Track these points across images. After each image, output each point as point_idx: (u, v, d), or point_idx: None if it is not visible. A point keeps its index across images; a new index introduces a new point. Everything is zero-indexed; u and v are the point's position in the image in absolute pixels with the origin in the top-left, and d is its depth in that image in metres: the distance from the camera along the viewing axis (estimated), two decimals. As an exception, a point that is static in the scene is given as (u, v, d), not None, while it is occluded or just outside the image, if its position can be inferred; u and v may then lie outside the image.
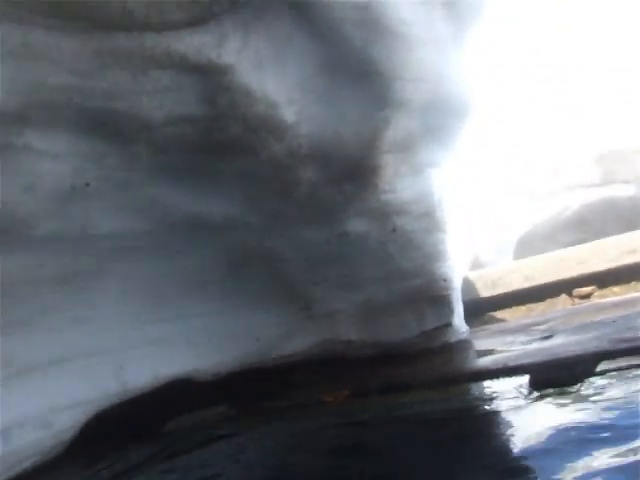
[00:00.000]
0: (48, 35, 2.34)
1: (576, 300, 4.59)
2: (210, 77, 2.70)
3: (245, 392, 4.16)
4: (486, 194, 7.15)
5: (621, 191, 6.36)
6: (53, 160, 2.74)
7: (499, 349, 3.70)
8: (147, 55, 2.51)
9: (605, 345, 3.05)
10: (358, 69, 2.96)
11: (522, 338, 3.74)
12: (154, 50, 2.51)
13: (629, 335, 3.09)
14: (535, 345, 3.55)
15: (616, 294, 4.48)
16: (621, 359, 2.80)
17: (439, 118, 3.43)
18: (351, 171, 3.47)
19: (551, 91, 7.97)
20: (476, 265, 6.71)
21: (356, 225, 3.76)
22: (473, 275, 4.99)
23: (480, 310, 4.61)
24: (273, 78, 2.86)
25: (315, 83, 3.00)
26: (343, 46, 2.82)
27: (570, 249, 4.75)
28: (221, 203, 3.46)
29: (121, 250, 3.49)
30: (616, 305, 3.93)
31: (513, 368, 3.25)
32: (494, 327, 4.46)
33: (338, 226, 3.76)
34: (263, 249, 3.84)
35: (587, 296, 4.57)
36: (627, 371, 2.60)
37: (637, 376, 2.51)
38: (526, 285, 4.69)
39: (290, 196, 3.51)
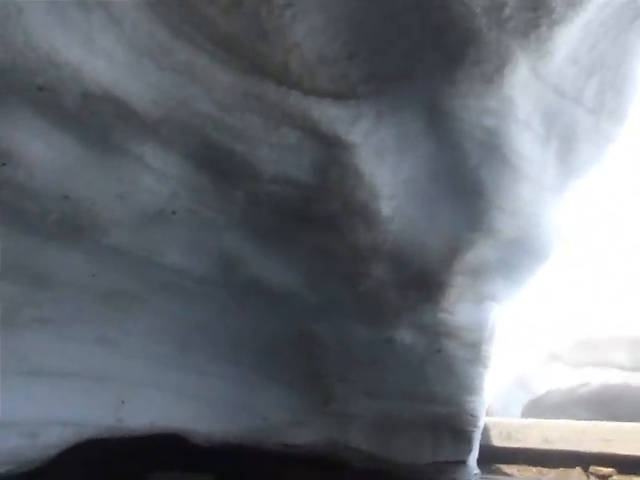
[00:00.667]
0: (210, 62, 2.48)
1: (592, 477, 4.45)
2: (331, 149, 2.83)
3: (236, 468, 3.95)
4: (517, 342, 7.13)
5: (642, 382, 6.37)
6: (157, 178, 2.81)
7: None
8: (287, 111, 2.65)
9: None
10: (464, 187, 3.08)
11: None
12: (294, 109, 2.65)
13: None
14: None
15: (635, 482, 4.36)
16: None
17: (518, 255, 3.52)
18: (421, 281, 3.52)
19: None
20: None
21: (405, 335, 3.75)
22: (488, 421, 4.87)
23: (489, 459, 4.45)
24: (386, 170, 2.99)
25: (421, 187, 3.12)
26: (459, 161, 2.96)
27: (594, 423, 4.66)
28: (286, 273, 3.49)
29: (173, 286, 3.48)
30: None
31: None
32: (506, 479, 4.29)
33: (387, 330, 3.76)
34: (307, 331, 3.82)
35: (605, 477, 4.43)
36: None
37: None
38: (543, 447, 4.57)
39: (354, 287, 3.54)
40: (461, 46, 2.41)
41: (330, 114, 2.71)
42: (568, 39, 2.45)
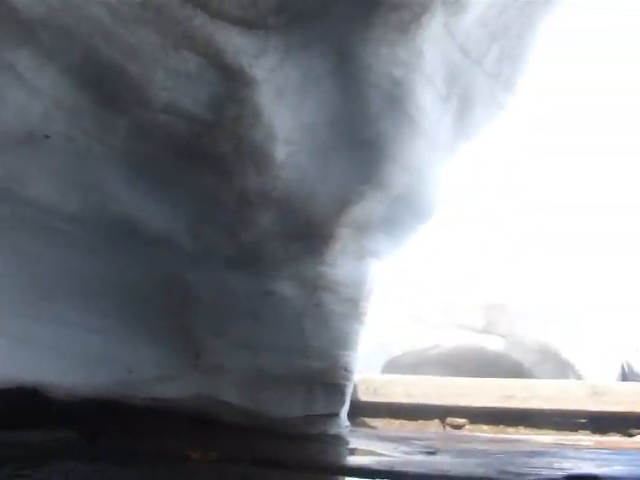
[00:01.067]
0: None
1: (447, 427, 4.82)
2: (232, 83, 2.64)
3: (100, 424, 3.71)
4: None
5: (492, 343, 6.96)
6: (28, 93, 2.46)
7: (380, 452, 3.69)
8: (189, 33, 2.42)
9: (492, 473, 3.14)
10: (361, 137, 3.04)
11: (404, 448, 3.77)
12: (198, 31, 2.42)
13: (512, 469, 3.24)
14: (420, 457, 3.58)
15: (484, 431, 4.79)
16: None
17: (403, 212, 3.57)
18: (306, 232, 3.46)
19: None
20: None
21: (284, 287, 3.69)
22: (356, 377, 5.05)
23: (356, 413, 4.61)
24: (286, 112, 2.86)
25: (318, 134, 3.03)
26: (360, 109, 2.91)
27: (452, 379, 5.02)
28: (165, 217, 3.25)
29: (33, 223, 3.12)
30: (492, 441, 4.16)
31: (400, 473, 3.22)
32: (373, 431, 4.48)
33: (267, 283, 3.67)
34: (180, 281, 3.62)
35: (459, 427, 4.82)
36: None
37: None
38: (405, 401, 4.81)
39: (237, 236, 3.40)
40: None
41: (236, 43, 2.52)
42: (482, 1, 2.48)
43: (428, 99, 2.88)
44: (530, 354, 7.07)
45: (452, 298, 6.73)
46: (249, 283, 3.73)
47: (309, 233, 3.52)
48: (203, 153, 2.95)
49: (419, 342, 7.48)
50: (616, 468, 3.31)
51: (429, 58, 2.68)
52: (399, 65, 2.66)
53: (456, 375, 5.82)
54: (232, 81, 2.66)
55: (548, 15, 2.88)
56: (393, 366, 7.19)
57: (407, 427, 4.80)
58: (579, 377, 6.01)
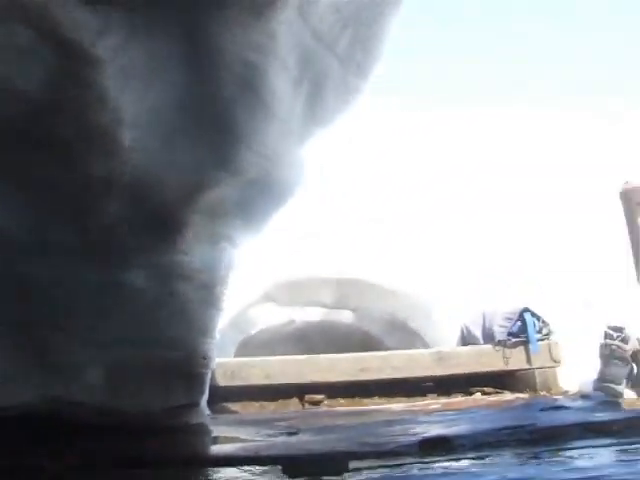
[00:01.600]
0: None
1: (306, 405, 4.97)
2: (72, 62, 2.42)
3: None
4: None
5: (343, 317, 7.26)
6: None
7: (243, 438, 3.72)
8: (18, 2, 2.17)
9: (353, 446, 3.31)
10: (213, 122, 2.96)
11: (267, 431, 3.84)
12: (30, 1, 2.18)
13: (372, 440, 3.44)
14: (283, 439, 3.66)
15: (342, 405, 5.02)
16: (367, 460, 3.03)
17: (258, 197, 3.56)
18: (158, 220, 3.32)
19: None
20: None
21: (135, 278, 3.52)
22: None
23: (215, 398, 4.58)
24: (132, 94, 2.68)
25: (167, 117, 2.89)
26: (212, 93, 2.82)
27: (310, 357, 5.15)
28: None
29: None
30: (350, 414, 4.37)
31: (265, 457, 3.28)
32: (234, 416, 4.49)
33: (116, 274, 3.48)
34: (22, 276, 3.31)
35: (317, 402, 4.99)
36: (375, 470, 2.81)
37: (384, 475, 2.71)
38: (264, 382, 4.88)
39: (84, 226, 3.17)
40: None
41: (75, 17, 2.32)
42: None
43: (281, 83, 2.88)
44: (379, 325, 7.48)
45: (303, 275, 6.87)
46: (97, 275, 3.51)
47: (160, 220, 3.39)
48: (43, 138, 2.70)
49: (272, 320, 7.58)
50: (461, 427, 3.62)
51: (283, 42, 2.67)
52: (252, 48, 2.62)
53: (310, 350, 5.99)
54: (72, 59, 2.44)
55: (399, 4, 2.99)
56: (247, 345, 7.21)
57: (267, 408, 4.88)
58: (425, 344, 6.47)
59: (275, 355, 5.68)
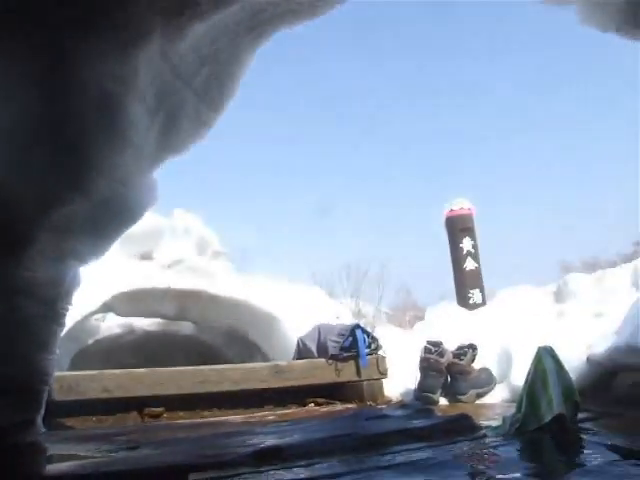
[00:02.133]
0: None
1: (146, 418, 5.03)
2: None
3: None
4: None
5: (184, 328, 7.35)
6: None
7: (81, 454, 3.74)
8: None
9: (192, 459, 3.51)
10: (67, 146, 3.00)
11: (106, 447, 3.88)
12: None
13: (210, 452, 3.66)
14: (123, 454, 3.74)
15: (182, 417, 5.14)
16: (209, 471, 3.26)
17: (107, 215, 3.62)
18: (3, 237, 3.26)
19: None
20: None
21: (-22, 300, 3.42)
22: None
23: (51, 413, 4.49)
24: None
25: (21, 139, 2.89)
26: (67, 120, 2.87)
27: (150, 370, 5.19)
28: None
29: None
30: (190, 426, 4.53)
31: (105, 474, 3.38)
32: (70, 432, 4.42)
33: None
34: None
35: (157, 416, 5.07)
36: None
37: None
38: (103, 396, 4.85)
39: None
40: (107, 8, 2.41)
41: None
42: (198, 30, 2.73)
43: (138, 113, 3.01)
44: (219, 337, 7.67)
45: (143, 287, 6.88)
46: None
47: (6, 237, 3.33)
48: None
49: (110, 330, 7.48)
50: (294, 437, 3.96)
51: (142, 76, 2.82)
52: (112, 80, 2.74)
53: (149, 361, 6.04)
54: None
55: (255, 46, 3.27)
56: (84, 356, 7.04)
57: (105, 423, 4.88)
58: (265, 356, 6.76)
59: (112, 366, 5.65)
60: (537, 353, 3.98)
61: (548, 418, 3.73)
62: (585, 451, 3.31)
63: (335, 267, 29.26)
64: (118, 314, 7.16)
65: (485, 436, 3.85)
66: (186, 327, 7.60)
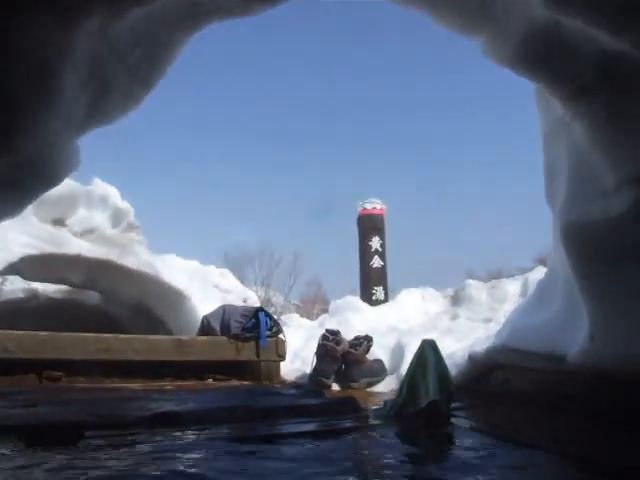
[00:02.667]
0: None
1: (44, 381, 5.09)
2: None
3: None
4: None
5: (89, 298, 7.37)
6: None
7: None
8: None
9: (90, 418, 3.69)
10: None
11: (3, 403, 3.96)
12: None
13: (109, 413, 3.85)
14: (19, 410, 3.85)
15: (81, 382, 5.23)
16: (103, 430, 3.43)
17: (29, 179, 3.71)
18: None
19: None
20: None
21: None
22: None
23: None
24: None
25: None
26: (3, 83, 3.00)
27: (52, 334, 5.25)
28: None
29: None
30: (88, 390, 4.66)
31: (1, 427, 3.47)
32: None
33: None
34: None
35: (56, 379, 5.14)
36: (108, 439, 3.18)
37: (124, 442, 3.11)
38: (3, 356, 4.90)
39: None
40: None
41: None
42: (137, 14, 2.92)
43: (71, 82, 3.17)
44: (125, 310, 7.74)
45: (53, 252, 6.85)
46: None
47: None
48: None
49: (13, 294, 7.39)
50: (190, 405, 4.21)
51: (80, 48, 2.99)
52: (52, 49, 2.90)
53: (53, 328, 6.06)
54: None
55: (188, 34, 3.49)
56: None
57: (3, 382, 4.90)
58: (168, 332, 6.91)
59: (14, 329, 5.64)
60: (421, 345, 4.38)
61: (424, 403, 4.13)
62: (452, 431, 3.76)
63: (249, 253, 29.52)
64: (24, 278, 7.08)
65: (367, 417, 4.23)
66: (92, 297, 7.61)
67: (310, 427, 3.76)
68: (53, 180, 3.87)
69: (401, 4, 3.36)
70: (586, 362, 3.97)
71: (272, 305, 24.43)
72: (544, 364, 4.62)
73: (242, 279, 25.08)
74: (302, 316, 11.46)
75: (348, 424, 3.94)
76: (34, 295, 7.26)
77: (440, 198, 50.52)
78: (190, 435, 3.45)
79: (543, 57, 3.15)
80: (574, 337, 4.13)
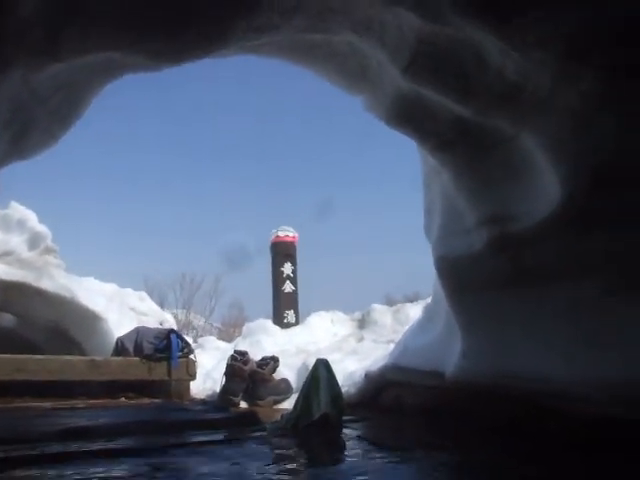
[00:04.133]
0: None
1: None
2: None
3: None
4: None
5: (5, 320, 7.40)
6: None
7: None
8: None
9: None
10: None
11: None
12: None
13: (19, 430, 4.04)
14: None
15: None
16: (15, 445, 3.53)
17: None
18: None
19: None
20: None
21: None
22: None
23: None
24: None
25: None
26: None
27: (11, 356, 5.36)
28: None
29: None
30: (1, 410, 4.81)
31: None
32: None
33: None
34: None
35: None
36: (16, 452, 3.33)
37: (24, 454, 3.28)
38: None
39: None
40: None
41: None
42: (61, 66, 3.29)
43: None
44: (40, 332, 7.79)
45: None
46: None
47: None
48: None
49: None
50: (101, 420, 4.47)
51: (2, 94, 3.33)
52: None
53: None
54: None
55: (106, 81, 3.87)
56: None
57: None
58: (83, 353, 7.04)
59: None
60: (315, 364, 4.83)
61: (317, 416, 4.56)
62: (342, 441, 4.20)
63: (169, 276, 29.28)
64: None
65: (265, 429, 4.63)
66: (7, 320, 7.63)
67: (214, 437, 4.10)
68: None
69: (293, 63, 3.87)
70: (460, 378, 4.51)
71: (193, 328, 24.34)
72: (429, 381, 5.15)
73: (162, 302, 25.00)
74: (223, 339, 11.70)
75: (248, 433, 4.31)
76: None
77: (356, 227, 51.34)
78: (97, 445, 3.64)
79: (410, 118, 3.72)
80: (452, 356, 4.67)
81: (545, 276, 3.62)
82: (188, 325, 24.34)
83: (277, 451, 3.83)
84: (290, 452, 3.90)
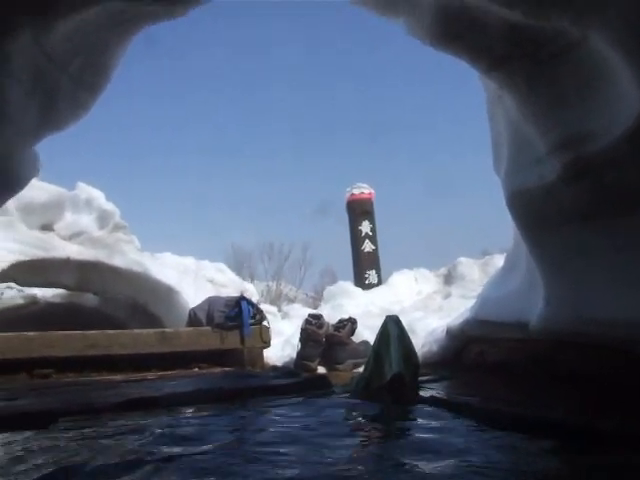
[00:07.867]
0: None
1: (35, 378, 5.43)
2: None
3: None
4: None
5: (86, 300, 7.70)
6: None
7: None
8: None
9: (65, 405, 3.99)
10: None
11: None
12: None
13: (85, 401, 4.16)
14: (2, 403, 4.18)
15: (70, 377, 5.56)
16: (77, 415, 3.70)
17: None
18: None
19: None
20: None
21: None
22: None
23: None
24: None
25: None
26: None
27: (40, 333, 5.55)
28: None
29: None
30: (73, 383, 4.99)
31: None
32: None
33: None
34: None
35: (46, 376, 5.48)
36: (79, 422, 3.47)
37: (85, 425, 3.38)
38: (-6, 358, 5.22)
39: None
40: None
41: None
42: (68, 25, 3.20)
43: (15, 94, 3.46)
44: (122, 309, 8.06)
45: (43, 257, 7.17)
46: None
47: None
48: None
49: (13, 301, 7.72)
50: (165, 390, 4.50)
51: (17, 62, 3.28)
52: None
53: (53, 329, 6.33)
54: None
55: (123, 40, 3.76)
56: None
57: (-4, 382, 5.24)
58: (163, 326, 7.16)
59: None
60: (384, 321, 4.62)
61: (389, 377, 4.36)
62: (416, 404, 3.99)
63: (256, 248, 29.82)
64: (18, 284, 7.40)
65: (334, 392, 4.49)
66: (90, 299, 7.92)
67: (276, 402, 4.03)
68: (14, 189, 4.19)
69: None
70: (545, 327, 4.16)
71: (287, 298, 24.70)
72: (511, 333, 4.82)
73: (253, 274, 25.53)
74: (317, 307, 11.73)
75: (313, 397, 4.20)
76: (33, 301, 7.58)
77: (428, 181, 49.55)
78: (158, 414, 3.74)
79: (456, 34, 3.36)
80: (536, 304, 4.32)
81: (632, 203, 3.19)
82: (280, 296, 24.73)
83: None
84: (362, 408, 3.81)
